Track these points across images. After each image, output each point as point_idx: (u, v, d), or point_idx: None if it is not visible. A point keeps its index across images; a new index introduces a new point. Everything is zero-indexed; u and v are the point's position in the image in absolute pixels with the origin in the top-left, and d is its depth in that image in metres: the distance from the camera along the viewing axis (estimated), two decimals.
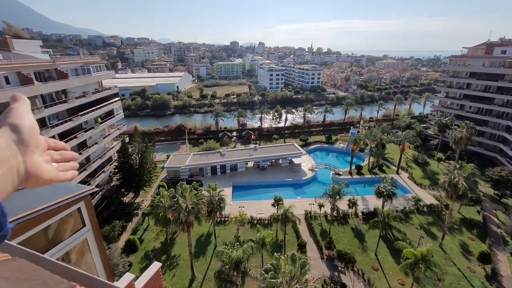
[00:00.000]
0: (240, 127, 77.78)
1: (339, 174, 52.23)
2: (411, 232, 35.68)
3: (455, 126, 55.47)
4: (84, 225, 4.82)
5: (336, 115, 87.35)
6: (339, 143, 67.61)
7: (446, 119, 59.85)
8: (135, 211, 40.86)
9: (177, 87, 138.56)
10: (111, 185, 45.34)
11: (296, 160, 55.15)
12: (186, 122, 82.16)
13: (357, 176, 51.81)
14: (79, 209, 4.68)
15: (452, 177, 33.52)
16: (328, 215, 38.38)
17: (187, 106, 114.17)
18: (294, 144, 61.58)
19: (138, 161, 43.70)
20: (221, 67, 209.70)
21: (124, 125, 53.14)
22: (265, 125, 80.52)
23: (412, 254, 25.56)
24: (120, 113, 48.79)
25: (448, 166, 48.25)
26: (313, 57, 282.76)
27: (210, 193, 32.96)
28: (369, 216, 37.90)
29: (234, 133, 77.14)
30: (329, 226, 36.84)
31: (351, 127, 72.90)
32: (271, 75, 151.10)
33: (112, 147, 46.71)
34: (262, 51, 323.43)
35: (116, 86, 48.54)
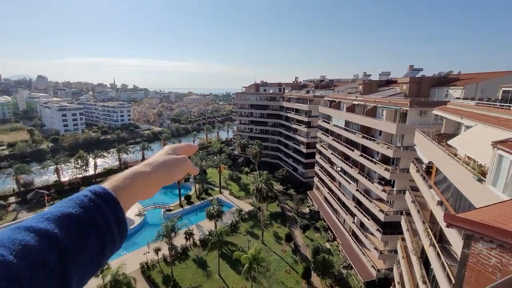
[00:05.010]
0: (23, 188, 55.85)
1: (170, 210, 50.70)
2: (241, 241, 41.01)
3: (251, 145, 71.84)
4: None
5: (156, 150, 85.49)
6: None
7: (244, 140, 76.14)
8: None
9: None
10: None
11: None
12: None
13: (188, 206, 52.77)
14: None
15: (257, 184, 42.74)
16: (167, 257, 35.73)
17: None
18: None
19: None
20: None
21: None
22: (66, 177, 63.27)
23: (246, 259, 29.29)
24: None
25: (253, 177, 61.13)
26: (118, 94, 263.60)
27: None
28: (207, 241, 39.49)
29: (12, 199, 54.05)
30: (170, 268, 34.26)
31: None
32: (64, 115, 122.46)
33: None
34: (46, 87, 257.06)
35: None
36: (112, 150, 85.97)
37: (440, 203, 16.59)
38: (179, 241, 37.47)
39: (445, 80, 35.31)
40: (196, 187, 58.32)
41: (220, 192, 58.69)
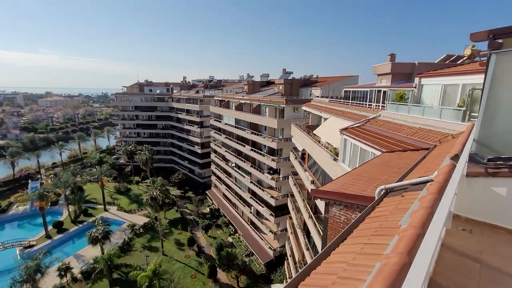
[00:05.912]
0: None
1: (31, 246, 38.96)
2: (137, 258, 36.54)
3: (139, 151, 64.60)
4: None
5: None
6: (17, 207, 50.15)
7: (130, 146, 67.61)
8: None
9: None
10: None
11: None
12: None
13: (59, 236, 42.01)
14: None
15: (151, 192, 39.08)
16: None
17: None
18: None
19: None
20: None
21: None
22: None
23: (145, 277, 26.36)
24: None
25: (146, 185, 55.45)
26: None
27: None
28: (91, 271, 32.88)
29: None
30: None
31: (30, 181, 57.17)
32: None
33: None
34: None
35: None
36: None
37: (312, 182, 20.36)
38: (51, 281, 29.46)
39: (309, 82, 43.36)
40: (70, 210, 47.34)
41: (105, 210, 50.01)
